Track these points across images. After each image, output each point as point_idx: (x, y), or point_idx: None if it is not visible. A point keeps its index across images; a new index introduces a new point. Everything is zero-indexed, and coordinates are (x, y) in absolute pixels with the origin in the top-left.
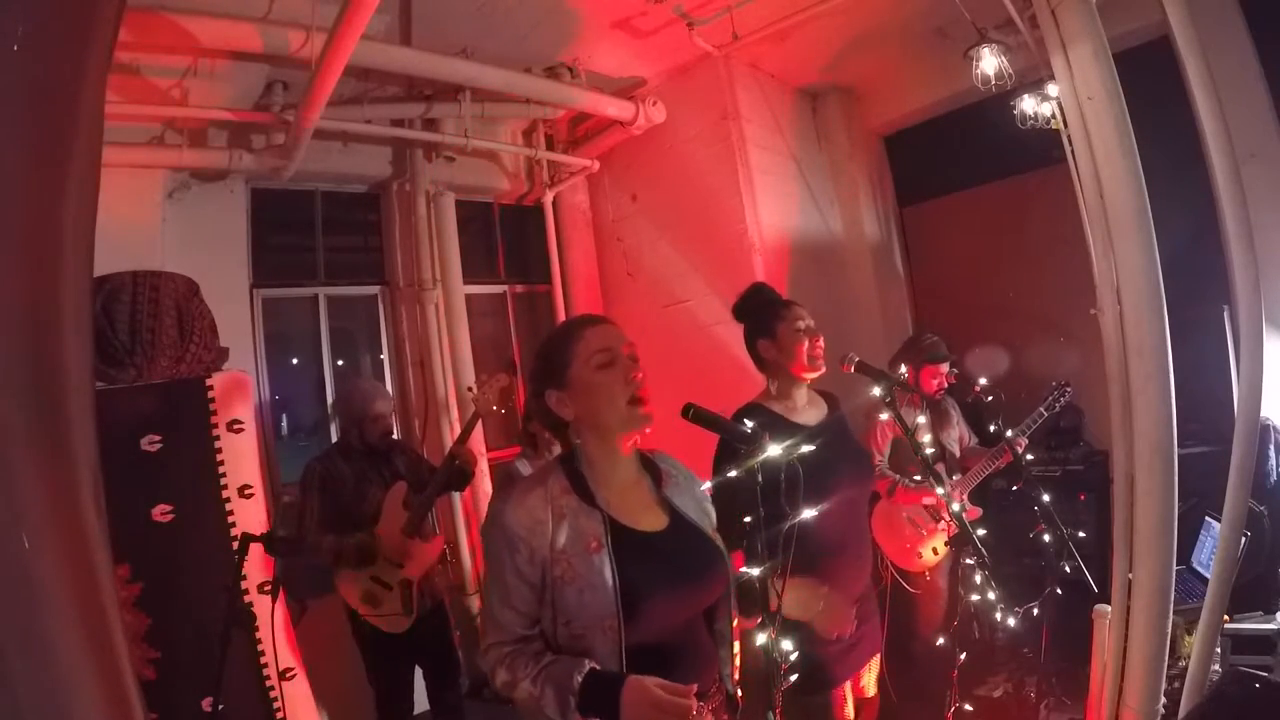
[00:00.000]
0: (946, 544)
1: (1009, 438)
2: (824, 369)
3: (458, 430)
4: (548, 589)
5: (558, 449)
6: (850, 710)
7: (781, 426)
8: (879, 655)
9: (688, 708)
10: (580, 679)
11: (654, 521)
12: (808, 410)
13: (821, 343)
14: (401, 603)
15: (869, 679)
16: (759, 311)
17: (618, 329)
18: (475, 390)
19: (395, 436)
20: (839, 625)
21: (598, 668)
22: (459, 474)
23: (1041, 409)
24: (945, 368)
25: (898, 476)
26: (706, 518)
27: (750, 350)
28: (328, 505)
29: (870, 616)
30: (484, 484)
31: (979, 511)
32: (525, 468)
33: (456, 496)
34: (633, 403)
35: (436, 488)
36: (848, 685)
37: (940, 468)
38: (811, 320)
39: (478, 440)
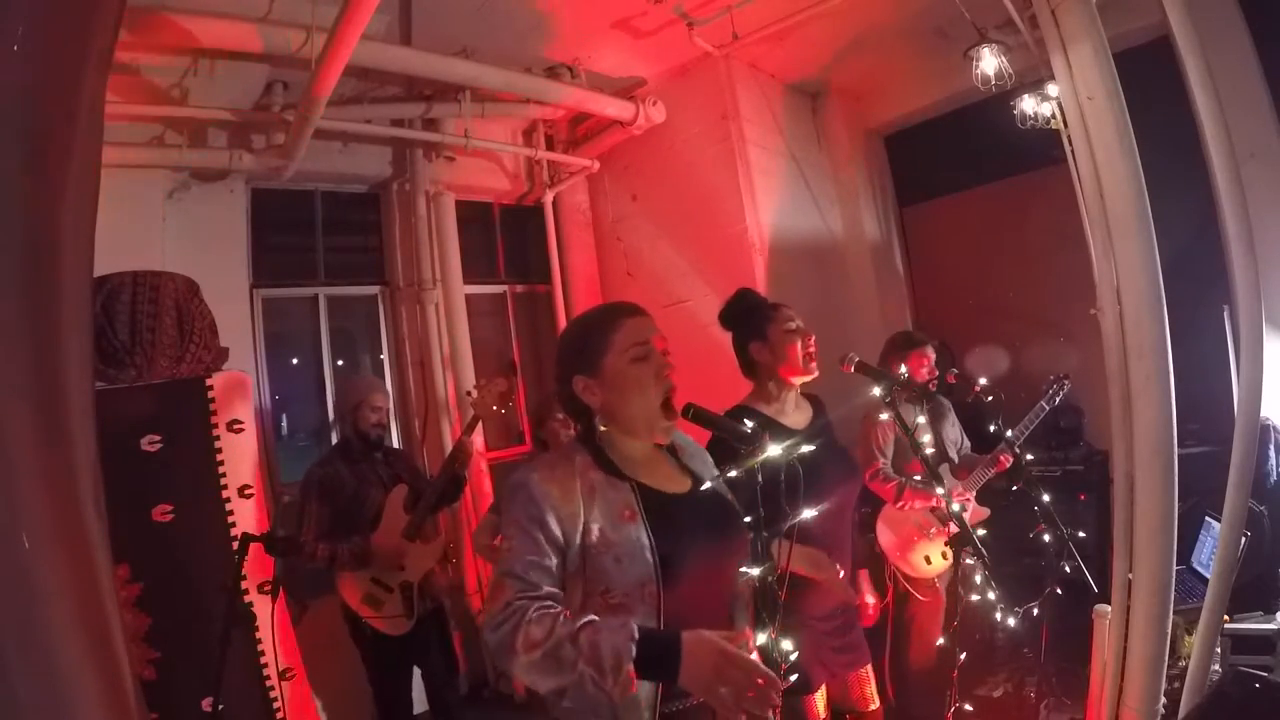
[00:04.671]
0: (948, 544)
1: (1004, 441)
2: (817, 372)
3: (458, 431)
4: (576, 559)
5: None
6: (821, 709)
7: (772, 429)
8: (869, 666)
9: (755, 666)
10: (636, 634)
11: (678, 486)
12: (796, 414)
13: (814, 341)
14: (402, 605)
15: (870, 689)
16: (747, 316)
17: (652, 321)
18: (474, 394)
19: (397, 445)
20: (843, 591)
21: (645, 626)
22: (454, 481)
23: (1043, 403)
24: (929, 351)
25: (903, 479)
26: (719, 482)
27: (740, 355)
28: (326, 512)
29: (853, 626)
30: (483, 484)
31: (986, 512)
32: None
33: None
34: (665, 407)
35: (433, 496)
36: (820, 692)
37: (945, 468)
38: (800, 320)
39: (476, 441)
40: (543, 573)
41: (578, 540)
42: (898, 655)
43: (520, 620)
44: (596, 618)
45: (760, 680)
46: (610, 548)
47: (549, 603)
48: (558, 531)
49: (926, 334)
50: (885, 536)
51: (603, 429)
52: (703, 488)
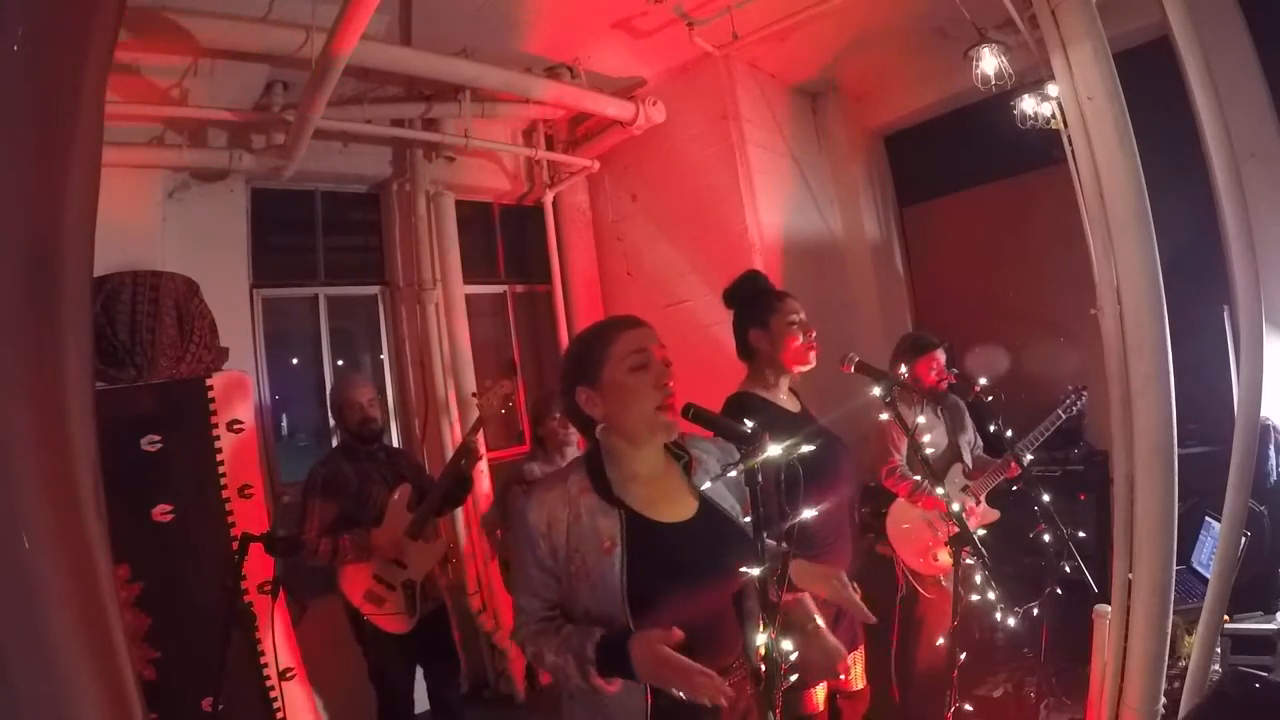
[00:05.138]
0: (947, 544)
1: (1014, 449)
2: (814, 362)
3: (458, 431)
4: (565, 579)
5: (570, 451)
6: (820, 701)
7: (774, 413)
8: (862, 648)
9: (690, 666)
10: (593, 646)
11: (681, 511)
12: (789, 400)
13: (814, 335)
14: (405, 603)
15: (856, 671)
16: (753, 300)
17: (653, 332)
18: (479, 396)
19: (397, 445)
20: (860, 611)
21: (606, 633)
22: (461, 480)
23: (1059, 411)
24: (939, 355)
25: (919, 480)
26: (738, 500)
27: (739, 338)
28: (329, 509)
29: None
30: (483, 484)
31: (997, 514)
32: (535, 470)
33: None
34: (660, 409)
35: (438, 496)
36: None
37: (958, 468)
38: (804, 314)
39: (478, 442)
40: (540, 600)
41: (565, 565)
42: (905, 654)
43: (524, 643)
44: (573, 628)
45: (696, 676)
46: (587, 576)
47: (542, 624)
48: (549, 560)
49: (936, 336)
50: (895, 532)
51: (605, 440)
52: (712, 509)
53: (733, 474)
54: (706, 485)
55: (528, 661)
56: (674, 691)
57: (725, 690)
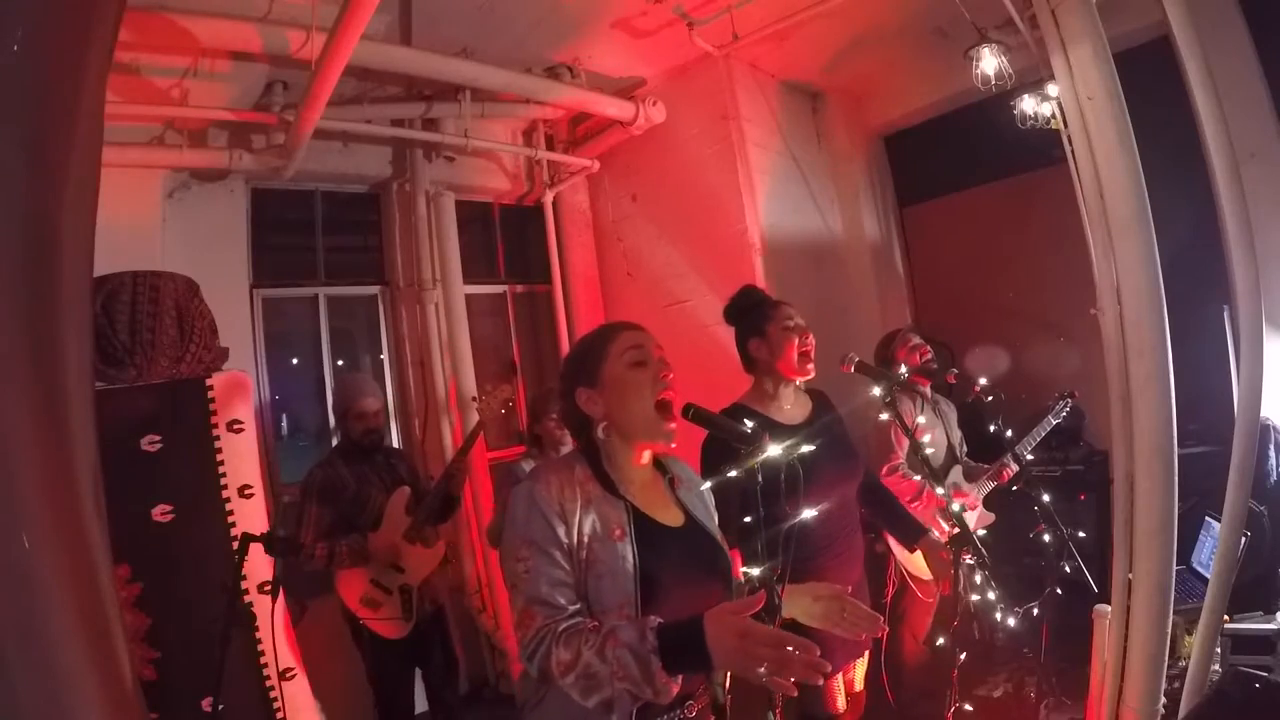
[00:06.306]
0: (948, 544)
1: (1010, 455)
2: (813, 373)
3: (458, 431)
4: (580, 567)
5: (565, 450)
6: (841, 701)
7: (763, 425)
8: (869, 652)
9: (783, 636)
10: (654, 632)
11: (673, 517)
12: (793, 410)
13: (811, 339)
14: (401, 607)
15: (858, 673)
16: (749, 313)
17: (650, 334)
18: (479, 400)
19: (397, 445)
20: (868, 627)
21: (664, 621)
22: (448, 501)
23: (1049, 417)
24: (908, 336)
25: (920, 478)
26: (711, 520)
27: (741, 352)
28: (326, 514)
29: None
30: (485, 484)
31: (992, 517)
32: (529, 468)
33: None
34: (660, 409)
35: (425, 513)
36: (839, 677)
37: (957, 470)
38: (801, 319)
39: (478, 443)
40: (566, 590)
41: (579, 550)
42: (893, 655)
43: (550, 645)
44: (620, 624)
45: (793, 648)
46: (596, 564)
47: (575, 620)
48: (568, 540)
49: (907, 326)
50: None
51: (605, 439)
52: (695, 522)
53: (732, 474)
54: (705, 486)
55: (549, 675)
56: (759, 673)
57: (823, 666)
